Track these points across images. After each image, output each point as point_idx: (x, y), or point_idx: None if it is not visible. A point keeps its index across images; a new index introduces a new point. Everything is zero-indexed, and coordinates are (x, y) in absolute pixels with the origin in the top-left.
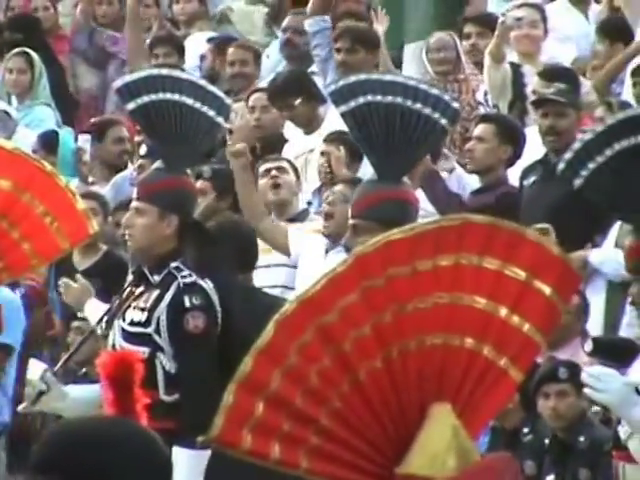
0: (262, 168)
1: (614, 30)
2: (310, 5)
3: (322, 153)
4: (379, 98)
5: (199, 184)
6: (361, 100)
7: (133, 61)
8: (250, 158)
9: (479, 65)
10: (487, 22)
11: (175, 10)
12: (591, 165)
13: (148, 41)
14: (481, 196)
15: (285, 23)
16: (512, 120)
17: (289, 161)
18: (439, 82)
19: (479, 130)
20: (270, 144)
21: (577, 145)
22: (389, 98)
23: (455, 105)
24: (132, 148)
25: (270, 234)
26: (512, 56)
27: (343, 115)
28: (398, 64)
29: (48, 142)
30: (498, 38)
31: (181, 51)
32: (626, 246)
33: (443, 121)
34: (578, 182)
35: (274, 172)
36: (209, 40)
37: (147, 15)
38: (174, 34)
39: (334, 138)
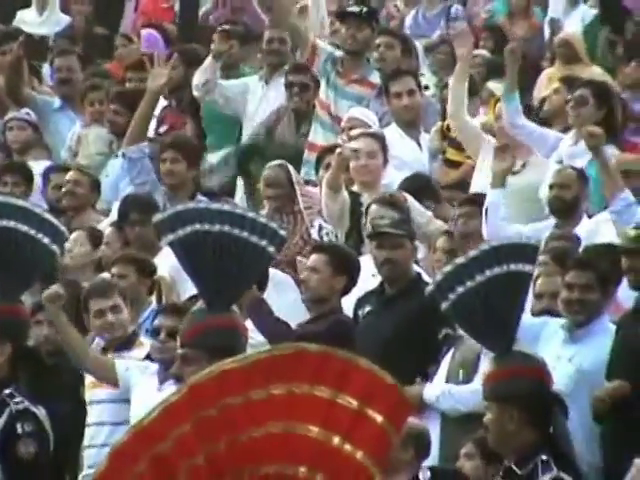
0: (95, 307)
1: None
2: (129, 134)
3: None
4: (207, 226)
5: None
6: (188, 229)
7: None
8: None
9: None
10: None
11: (8, 138)
12: (460, 289)
13: None
14: (312, 324)
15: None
16: (345, 249)
17: (122, 293)
18: (274, 215)
19: (312, 260)
20: None
21: (448, 268)
22: (217, 226)
23: (282, 232)
24: None
25: (97, 370)
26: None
27: (171, 244)
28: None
29: None
30: (335, 168)
31: (30, 180)
32: (485, 373)
33: (271, 249)
34: (445, 305)
35: (110, 316)
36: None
37: None
38: (25, 163)
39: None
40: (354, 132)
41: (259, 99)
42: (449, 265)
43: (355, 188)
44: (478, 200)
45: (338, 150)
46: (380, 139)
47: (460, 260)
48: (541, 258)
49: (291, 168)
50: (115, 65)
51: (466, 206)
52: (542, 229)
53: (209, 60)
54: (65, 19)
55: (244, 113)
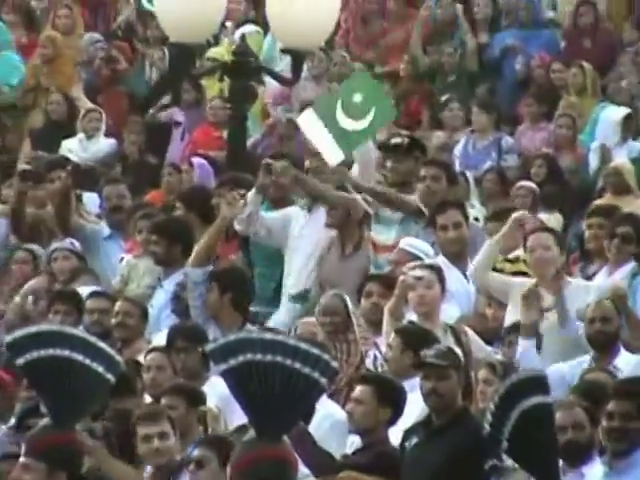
0: (142, 432)
1: None
2: (194, 256)
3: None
4: (259, 357)
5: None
6: (241, 358)
7: None
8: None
9: (378, 325)
10: (390, 283)
11: (54, 268)
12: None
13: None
14: (357, 456)
15: (177, 279)
16: (392, 381)
17: (171, 420)
18: (329, 341)
19: (357, 392)
20: None
21: (491, 407)
22: (269, 357)
23: (334, 364)
24: None
25: None
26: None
27: (223, 373)
28: None
29: None
30: (397, 297)
31: (80, 309)
32: None
33: (323, 380)
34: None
35: (156, 442)
36: (88, 298)
37: (23, 272)
38: (75, 292)
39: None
40: (412, 264)
41: (301, 228)
42: (490, 404)
43: (414, 318)
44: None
45: (401, 278)
46: (437, 270)
47: (495, 399)
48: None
49: (347, 298)
50: (160, 193)
51: (513, 334)
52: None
53: (252, 193)
54: (109, 144)
55: (285, 244)
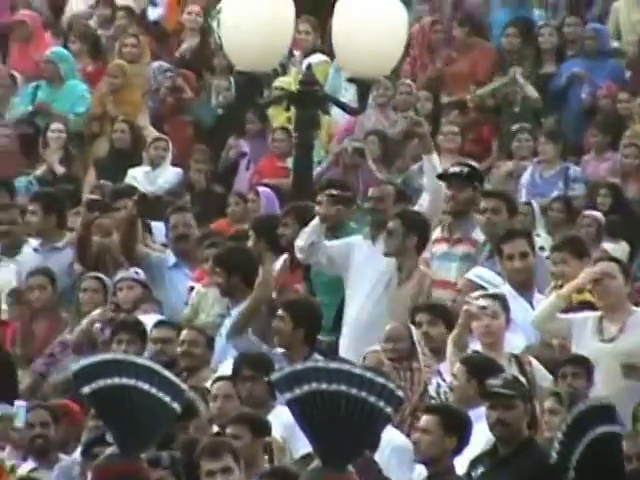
0: (205, 467)
1: None
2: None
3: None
4: (324, 386)
5: (157, 473)
6: (306, 388)
7: None
8: None
9: (432, 353)
10: (438, 311)
11: (119, 297)
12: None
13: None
14: None
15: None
16: (457, 410)
17: (234, 453)
18: (393, 369)
19: (423, 422)
20: None
21: (559, 436)
22: (334, 386)
23: (399, 393)
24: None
25: None
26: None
27: (288, 403)
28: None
29: None
30: (461, 326)
31: (144, 337)
32: None
33: (388, 409)
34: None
35: (219, 478)
36: (153, 327)
37: (94, 300)
38: (139, 321)
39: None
40: (477, 293)
41: (365, 258)
42: (558, 433)
43: (479, 348)
44: (583, 361)
45: (465, 307)
46: (502, 299)
47: (562, 427)
48: None
49: (412, 327)
50: (226, 222)
51: (571, 366)
52: None
53: (315, 222)
54: (175, 174)
55: (347, 273)
